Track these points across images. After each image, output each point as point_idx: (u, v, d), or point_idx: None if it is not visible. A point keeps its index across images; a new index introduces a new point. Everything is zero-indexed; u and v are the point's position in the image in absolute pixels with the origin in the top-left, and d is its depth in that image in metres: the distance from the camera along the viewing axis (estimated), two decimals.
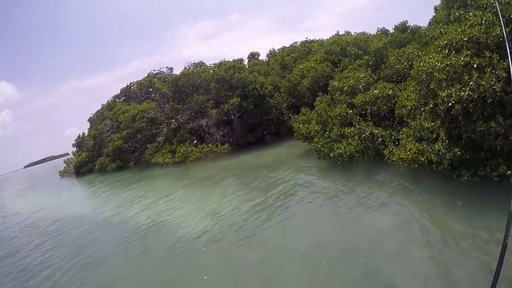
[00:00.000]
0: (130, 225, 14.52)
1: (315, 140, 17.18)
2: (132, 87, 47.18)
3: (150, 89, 43.32)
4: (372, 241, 8.89)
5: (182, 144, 30.31)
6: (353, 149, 14.88)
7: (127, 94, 47.25)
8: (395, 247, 8.35)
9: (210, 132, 30.13)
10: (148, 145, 34.13)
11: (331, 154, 15.71)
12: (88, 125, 49.80)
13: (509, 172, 9.70)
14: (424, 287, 6.76)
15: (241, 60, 34.37)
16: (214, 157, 27.72)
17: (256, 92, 29.19)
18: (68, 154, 64.24)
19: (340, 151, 15.15)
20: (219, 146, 28.60)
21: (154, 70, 46.23)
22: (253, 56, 45.10)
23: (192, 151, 29.04)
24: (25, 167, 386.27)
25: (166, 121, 34.05)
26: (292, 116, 24.62)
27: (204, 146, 29.06)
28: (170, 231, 12.50)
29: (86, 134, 48.41)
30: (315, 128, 17.80)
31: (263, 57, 45.02)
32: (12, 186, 66.03)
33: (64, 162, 52.67)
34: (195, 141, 30.52)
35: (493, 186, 9.90)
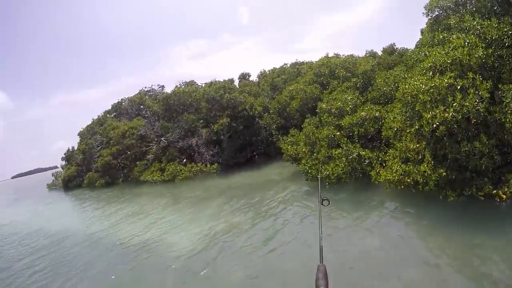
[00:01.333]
0: (121, 244, 14.08)
1: (303, 161, 17.07)
2: (123, 104, 46.96)
3: (141, 106, 43.01)
4: (363, 261, 8.79)
5: (171, 163, 30.09)
6: (341, 170, 14.83)
7: (118, 110, 47.05)
8: (385, 268, 8.27)
9: (200, 152, 29.98)
10: (138, 162, 33.79)
11: (318, 176, 15.52)
12: (78, 139, 49.03)
13: (494, 191, 9.90)
14: None
15: (231, 81, 34.51)
16: (203, 177, 27.52)
17: (246, 112, 29.24)
18: (56, 167, 63.37)
19: (327, 173, 15.07)
20: (208, 166, 28.47)
21: (145, 87, 46.12)
22: (244, 76, 45.29)
23: (181, 170, 28.83)
24: (13, 177, 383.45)
25: (156, 139, 33.86)
26: (281, 138, 24.37)
27: (193, 165, 28.87)
28: (161, 253, 12.02)
29: (75, 148, 47.66)
30: (303, 149, 17.66)
31: (253, 77, 45.17)
32: (1, 196, 64.77)
33: (52, 175, 51.92)
34: (185, 160, 30.36)
35: (479, 206, 10.05)
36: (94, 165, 39.11)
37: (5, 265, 14.33)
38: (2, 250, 17.17)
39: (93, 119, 51.02)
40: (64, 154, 49.07)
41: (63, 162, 49.58)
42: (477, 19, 12.00)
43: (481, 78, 9.97)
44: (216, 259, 10.54)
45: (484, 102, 9.63)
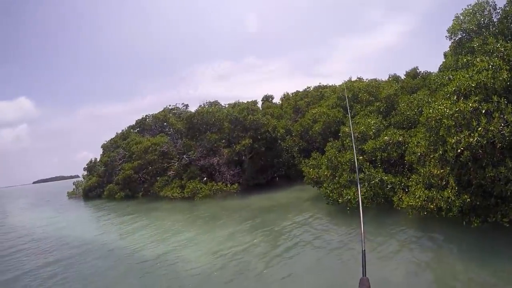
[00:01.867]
0: (135, 258, 13.97)
1: (324, 185, 16.97)
2: (147, 120, 48.12)
3: (165, 123, 44.04)
4: None
5: (192, 180, 30.23)
6: (362, 195, 14.49)
7: (142, 126, 48.12)
8: None
9: (221, 171, 30.13)
10: (158, 178, 34.18)
11: (339, 200, 15.42)
12: (100, 151, 50.33)
13: None
14: None
15: (255, 102, 34.85)
16: (222, 196, 27.59)
17: (268, 134, 29.35)
18: (78, 176, 64.06)
19: (349, 197, 14.95)
20: (229, 185, 28.53)
21: (170, 105, 47.21)
22: (267, 98, 45.63)
23: (201, 188, 28.95)
24: (34, 182, 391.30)
25: (177, 156, 34.26)
26: (303, 160, 24.28)
27: (213, 184, 29.01)
28: (178, 271, 11.77)
29: (98, 159, 48.84)
30: (325, 173, 17.56)
31: (276, 100, 45.52)
32: (22, 199, 65.99)
33: (74, 184, 52.66)
34: (205, 178, 30.50)
35: (504, 232, 9.79)
36: (115, 178, 39.64)
37: (21, 272, 14.30)
38: (20, 255, 17.15)
39: (117, 133, 52.27)
40: (87, 164, 50.26)
41: (85, 172, 50.71)
42: (501, 41, 11.82)
43: (506, 102, 9.67)
44: (231, 282, 10.26)
45: (510, 126, 9.29)
